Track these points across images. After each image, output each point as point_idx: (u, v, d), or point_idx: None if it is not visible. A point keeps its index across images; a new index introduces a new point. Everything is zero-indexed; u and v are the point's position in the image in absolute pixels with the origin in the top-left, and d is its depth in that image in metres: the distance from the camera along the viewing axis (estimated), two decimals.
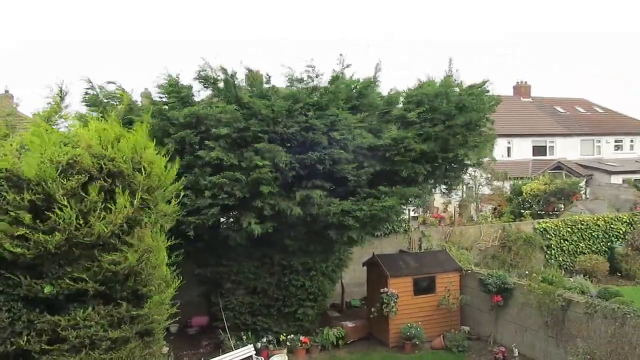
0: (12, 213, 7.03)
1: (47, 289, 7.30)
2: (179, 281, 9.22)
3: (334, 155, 12.37)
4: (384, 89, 14.13)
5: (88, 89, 12.96)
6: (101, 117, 9.47)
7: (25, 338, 7.37)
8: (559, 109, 43.45)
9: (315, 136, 12.23)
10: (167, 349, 12.29)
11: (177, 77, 13.08)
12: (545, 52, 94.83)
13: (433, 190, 16.44)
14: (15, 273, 7.34)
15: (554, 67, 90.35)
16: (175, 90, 12.96)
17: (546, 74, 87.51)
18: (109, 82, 13.10)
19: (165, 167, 8.89)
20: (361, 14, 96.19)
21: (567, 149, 39.85)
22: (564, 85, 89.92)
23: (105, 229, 7.37)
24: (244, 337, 13.89)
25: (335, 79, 12.90)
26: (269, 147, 12.03)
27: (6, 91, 30.98)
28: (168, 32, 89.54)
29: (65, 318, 7.45)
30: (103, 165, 7.59)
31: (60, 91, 9.25)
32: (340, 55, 12.92)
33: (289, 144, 12.55)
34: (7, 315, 7.45)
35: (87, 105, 12.83)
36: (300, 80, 12.98)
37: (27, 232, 7.04)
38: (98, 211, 7.38)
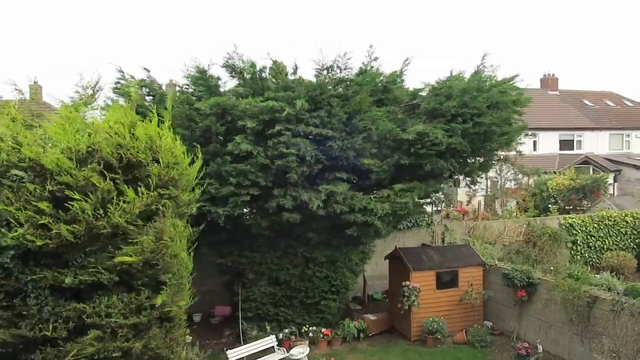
0: (34, 203, 7.17)
1: (68, 280, 7.43)
2: (194, 270, 9.29)
3: (355, 144, 12.31)
4: (408, 81, 14.05)
5: (120, 79, 13.17)
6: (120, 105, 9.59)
7: (52, 325, 7.53)
8: (587, 102, 42.56)
9: (338, 125, 12.19)
10: (191, 338, 12.43)
11: (207, 67, 13.20)
12: (571, 45, 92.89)
13: (458, 184, 16.32)
14: (42, 261, 7.49)
15: (581, 60, 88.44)
16: (204, 79, 13.07)
17: (572, 67, 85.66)
18: (143, 69, 13.37)
19: (192, 159, 8.96)
20: (384, 5, 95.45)
21: (595, 144, 39.05)
22: (591, 79, 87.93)
23: (121, 220, 7.45)
24: (267, 328, 14.00)
25: (362, 72, 12.83)
26: (294, 140, 12.06)
27: (35, 82, 31.58)
28: (176, 31, 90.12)
29: (90, 306, 7.57)
30: (123, 155, 7.67)
31: (90, 85, 9.37)
32: (370, 47, 12.85)
33: (311, 137, 12.56)
34: (35, 302, 7.62)
35: (118, 95, 13.04)
36: (329, 69, 12.91)
37: (49, 221, 7.15)
38: (115, 201, 7.46)
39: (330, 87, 12.67)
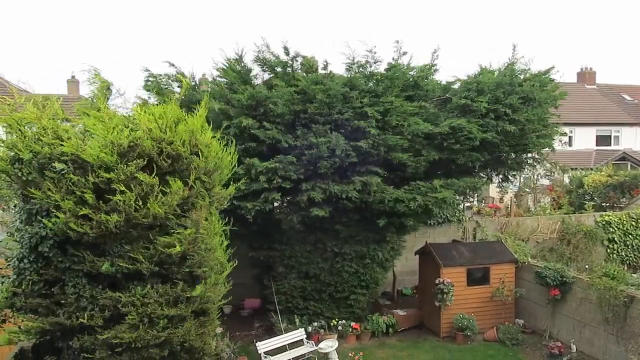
0: (77, 193, 7.37)
1: (105, 267, 7.62)
2: (232, 264, 9.44)
3: (388, 142, 12.29)
4: (439, 77, 13.89)
5: (148, 77, 13.35)
6: (162, 101, 9.77)
7: (88, 313, 7.74)
8: (626, 96, 41.39)
9: (369, 122, 12.17)
10: (221, 329, 12.60)
11: (240, 56, 13.24)
12: (611, 39, 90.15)
13: (490, 180, 16.08)
14: (80, 251, 7.70)
15: (621, 54, 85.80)
16: (236, 69, 13.14)
17: (612, 61, 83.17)
18: (170, 65, 13.45)
19: (228, 152, 9.10)
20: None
21: (634, 139, 38.00)
22: (630, 73, 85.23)
23: (161, 210, 7.60)
24: (296, 321, 14.09)
25: (392, 67, 12.74)
26: (325, 128, 12.09)
27: (73, 77, 32.34)
28: (203, 27, 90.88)
29: (126, 295, 7.75)
30: (163, 149, 7.83)
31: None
32: (397, 42, 12.75)
33: (342, 130, 12.56)
34: (73, 290, 7.84)
35: (147, 91, 13.23)
36: (360, 66, 12.89)
37: (90, 212, 7.35)
38: (155, 193, 7.62)
39: (362, 81, 12.63)
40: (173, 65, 13.53)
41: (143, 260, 7.65)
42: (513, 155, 14.48)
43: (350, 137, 12.36)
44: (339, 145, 11.91)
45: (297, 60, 13.00)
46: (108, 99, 9.52)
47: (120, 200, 7.32)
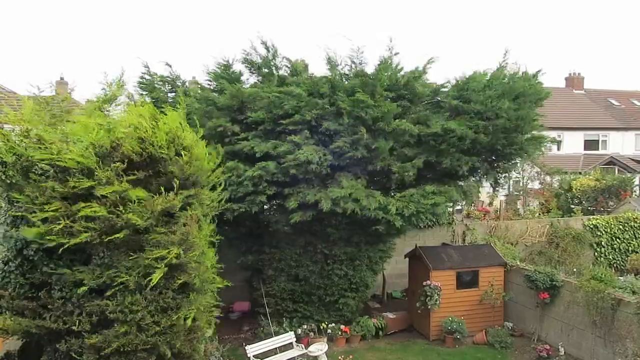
0: (56, 201, 7.27)
1: (84, 286, 7.50)
2: (224, 280, 9.39)
3: (361, 141, 12.16)
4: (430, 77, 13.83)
5: (144, 73, 13.31)
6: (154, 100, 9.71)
7: (76, 318, 7.64)
8: (613, 101, 41.78)
9: (346, 121, 12.08)
10: (210, 333, 12.51)
11: (230, 61, 13.25)
12: (598, 44, 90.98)
13: (480, 184, 16.09)
14: (63, 257, 7.60)
15: (608, 60, 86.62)
16: (226, 73, 13.10)
17: (599, 66, 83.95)
18: (166, 64, 13.51)
19: (209, 153, 9.04)
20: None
21: (622, 144, 38.36)
22: (618, 78, 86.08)
23: (140, 220, 7.44)
24: (285, 324, 14.04)
25: (382, 65, 12.65)
26: (299, 139, 12.06)
27: (61, 78, 32.12)
28: (195, 30, 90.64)
29: (113, 302, 7.65)
30: (144, 150, 7.72)
31: (119, 81, 9.53)
32: (390, 40, 12.71)
33: (323, 137, 12.45)
34: (60, 295, 7.75)
35: (142, 90, 13.18)
36: (345, 66, 12.84)
37: (68, 223, 7.22)
38: (132, 200, 7.50)
39: (346, 82, 12.57)
40: (169, 65, 13.58)
41: (129, 275, 7.54)
42: (498, 160, 14.45)
43: (329, 141, 12.28)
44: (315, 154, 11.81)
45: (277, 58, 12.97)
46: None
47: (99, 207, 7.22)
